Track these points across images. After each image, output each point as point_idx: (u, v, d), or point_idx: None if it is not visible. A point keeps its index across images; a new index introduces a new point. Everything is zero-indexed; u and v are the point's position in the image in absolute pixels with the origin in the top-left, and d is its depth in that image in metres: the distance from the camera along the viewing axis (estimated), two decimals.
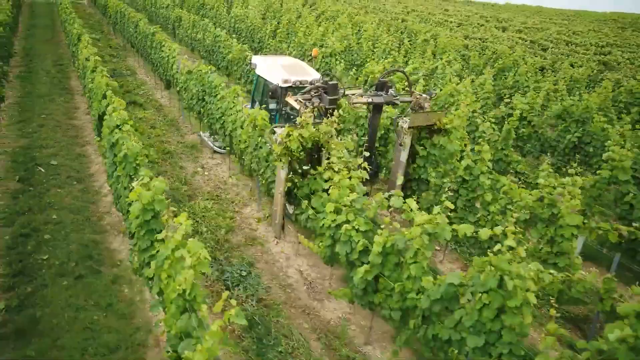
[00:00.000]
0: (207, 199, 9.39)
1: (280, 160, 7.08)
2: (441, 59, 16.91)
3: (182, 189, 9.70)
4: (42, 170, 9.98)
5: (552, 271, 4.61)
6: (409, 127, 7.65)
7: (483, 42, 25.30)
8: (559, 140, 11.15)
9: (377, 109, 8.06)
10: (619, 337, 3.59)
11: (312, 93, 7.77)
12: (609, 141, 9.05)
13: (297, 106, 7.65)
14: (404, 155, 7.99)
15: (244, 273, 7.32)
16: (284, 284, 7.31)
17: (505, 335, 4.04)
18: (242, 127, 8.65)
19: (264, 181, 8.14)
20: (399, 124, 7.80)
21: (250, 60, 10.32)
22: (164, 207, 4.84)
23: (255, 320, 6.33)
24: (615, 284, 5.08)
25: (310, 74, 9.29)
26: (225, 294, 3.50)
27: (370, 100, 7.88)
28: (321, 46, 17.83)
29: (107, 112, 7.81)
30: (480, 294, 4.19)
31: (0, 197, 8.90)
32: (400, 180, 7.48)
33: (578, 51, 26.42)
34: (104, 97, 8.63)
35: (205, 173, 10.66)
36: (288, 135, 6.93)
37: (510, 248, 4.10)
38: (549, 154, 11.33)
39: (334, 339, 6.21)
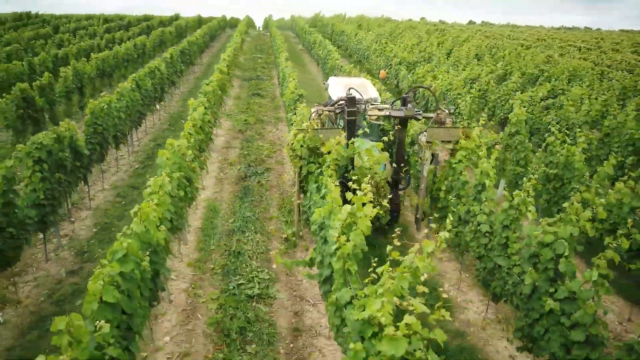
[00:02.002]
0: None
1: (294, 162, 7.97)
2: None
3: None
4: None
5: None
6: (427, 142, 7.93)
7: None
8: None
9: (402, 123, 8.09)
10: None
11: (336, 106, 8.58)
12: None
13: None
14: (425, 169, 8.29)
15: None
16: None
17: None
18: None
19: None
20: (419, 138, 8.27)
21: (325, 81, 11.77)
22: None
23: None
24: None
25: (368, 93, 10.09)
26: None
27: (388, 113, 8.12)
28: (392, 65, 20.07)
29: None
30: None
31: None
32: (423, 192, 8.38)
33: None
34: None
35: None
36: (294, 136, 7.65)
37: None
38: None
39: None
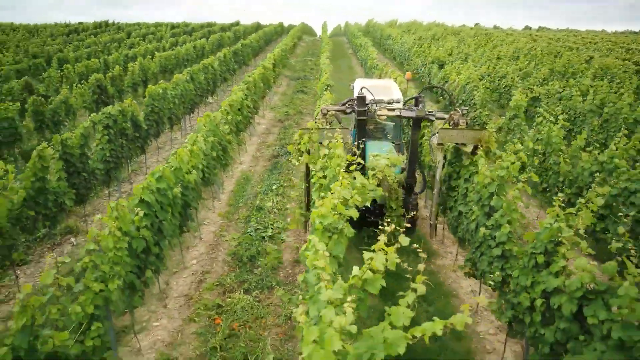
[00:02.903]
0: None
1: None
2: None
3: None
4: None
5: None
6: (439, 144, 7.54)
7: None
8: None
9: (415, 124, 7.81)
10: None
11: (347, 105, 8.31)
12: None
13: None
14: (438, 173, 7.96)
15: None
16: None
17: None
18: None
19: None
20: (431, 139, 7.93)
21: (351, 83, 11.24)
22: None
23: None
24: None
25: (392, 95, 9.47)
26: None
27: (398, 113, 7.86)
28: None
29: None
30: None
31: None
32: (436, 197, 8.10)
33: None
34: None
35: None
36: (300, 136, 7.58)
37: None
38: None
39: None
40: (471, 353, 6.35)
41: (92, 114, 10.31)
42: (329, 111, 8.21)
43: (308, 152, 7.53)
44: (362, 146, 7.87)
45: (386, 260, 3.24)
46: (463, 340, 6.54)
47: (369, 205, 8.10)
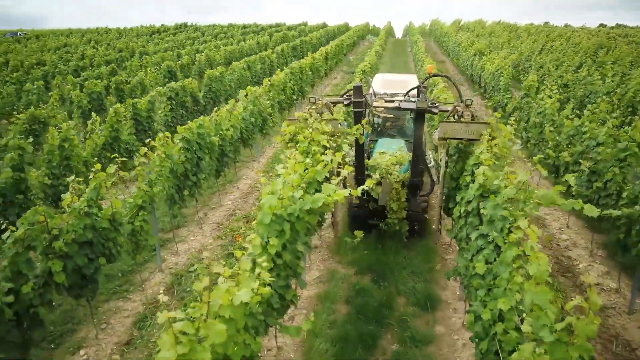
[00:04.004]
0: None
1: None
2: None
3: None
4: None
5: None
6: (440, 139, 6.34)
7: None
8: None
9: (418, 118, 6.94)
10: None
11: (345, 97, 7.51)
12: None
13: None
14: (442, 171, 6.71)
15: None
16: None
17: None
18: None
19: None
20: (434, 135, 7.00)
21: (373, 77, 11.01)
22: None
23: None
24: None
25: (408, 89, 8.44)
26: None
27: (397, 105, 7.11)
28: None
29: None
30: None
31: None
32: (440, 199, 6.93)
33: None
34: None
35: None
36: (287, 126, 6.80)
37: None
38: None
39: None
40: None
41: (158, 87, 12.64)
42: (316, 100, 7.01)
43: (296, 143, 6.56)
44: (364, 142, 7.46)
45: None
46: None
47: (369, 207, 7.48)
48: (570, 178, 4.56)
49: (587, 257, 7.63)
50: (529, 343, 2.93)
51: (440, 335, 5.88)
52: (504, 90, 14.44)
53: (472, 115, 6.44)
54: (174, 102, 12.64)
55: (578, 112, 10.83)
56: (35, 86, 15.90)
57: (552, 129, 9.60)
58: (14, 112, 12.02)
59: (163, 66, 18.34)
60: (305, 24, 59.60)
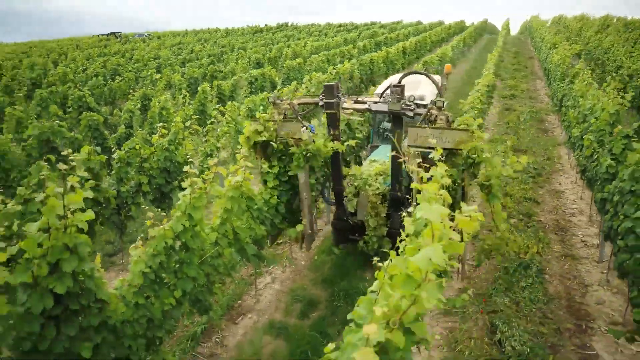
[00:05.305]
0: None
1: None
2: None
3: None
4: None
5: None
6: (410, 147, 5.23)
7: None
8: None
9: (395, 121, 5.92)
10: None
11: (321, 97, 6.27)
12: None
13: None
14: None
15: None
16: None
17: None
18: None
19: None
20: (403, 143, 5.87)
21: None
22: None
23: None
24: None
25: (415, 91, 7.56)
26: None
27: (367, 106, 6.09)
28: None
29: None
30: None
31: None
32: None
33: None
34: None
35: None
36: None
37: None
38: None
39: None
40: None
41: (241, 73, 15.06)
42: (276, 100, 6.12)
43: (255, 145, 5.88)
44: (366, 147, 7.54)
45: None
46: None
47: (350, 221, 6.81)
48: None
49: (586, 222, 8.46)
50: None
51: None
52: (559, 80, 14.88)
53: (448, 120, 5.44)
54: (253, 86, 14.96)
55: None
56: (149, 73, 19.32)
57: (573, 109, 10.32)
58: (132, 92, 15.16)
59: (252, 58, 20.99)
60: (398, 22, 60.54)
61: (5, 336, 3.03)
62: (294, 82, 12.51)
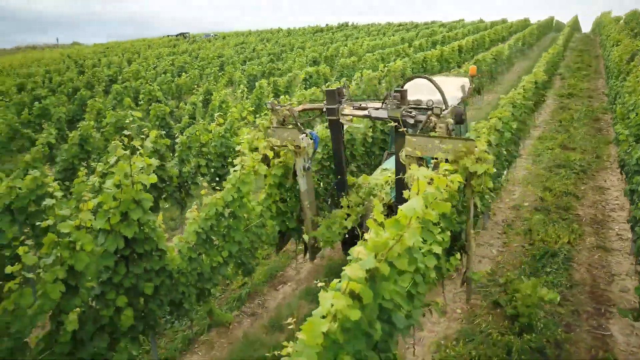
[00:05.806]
0: None
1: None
2: None
3: None
4: None
5: None
6: (407, 156, 4.91)
7: None
8: None
9: (396, 128, 5.43)
10: None
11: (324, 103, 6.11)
12: None
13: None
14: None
15: None
16: None
17: None
18: None
19: None
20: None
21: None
22: None
23: None
24: None
25: (432, 95, 6.56)
26: None
27: (366, 113, 5.73)
28: None
29: None
30: None
31: None
32: None
33: None
34: None
35: None
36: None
37: None
38: None
39: None
40: None
41: (296, 71, 15.89)
42: (274, 107, 6.06)
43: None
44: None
45: None
46: None
47: (355, 231, 6.40)
48: None
49: (626, 217, 8.48)
50: None
51: None
52: (615, 77, 14.52)
53: (448, 129, 5.02)
54: (308, 82, 15.75)
55: None
56: (212, 71, 20.71)
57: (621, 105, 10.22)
58: (196, 87, 16.44)
59: (309, 56, 21.84)
60: (459, 21, 59.50)
61: (90, 267, 3.91)
62: (344, 78, 13.13)
